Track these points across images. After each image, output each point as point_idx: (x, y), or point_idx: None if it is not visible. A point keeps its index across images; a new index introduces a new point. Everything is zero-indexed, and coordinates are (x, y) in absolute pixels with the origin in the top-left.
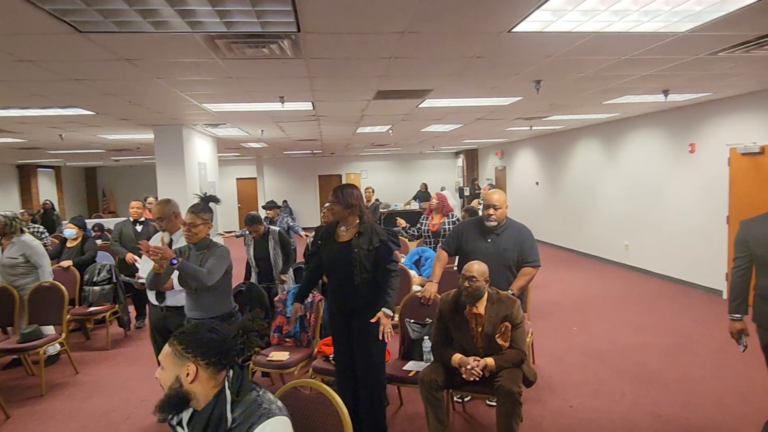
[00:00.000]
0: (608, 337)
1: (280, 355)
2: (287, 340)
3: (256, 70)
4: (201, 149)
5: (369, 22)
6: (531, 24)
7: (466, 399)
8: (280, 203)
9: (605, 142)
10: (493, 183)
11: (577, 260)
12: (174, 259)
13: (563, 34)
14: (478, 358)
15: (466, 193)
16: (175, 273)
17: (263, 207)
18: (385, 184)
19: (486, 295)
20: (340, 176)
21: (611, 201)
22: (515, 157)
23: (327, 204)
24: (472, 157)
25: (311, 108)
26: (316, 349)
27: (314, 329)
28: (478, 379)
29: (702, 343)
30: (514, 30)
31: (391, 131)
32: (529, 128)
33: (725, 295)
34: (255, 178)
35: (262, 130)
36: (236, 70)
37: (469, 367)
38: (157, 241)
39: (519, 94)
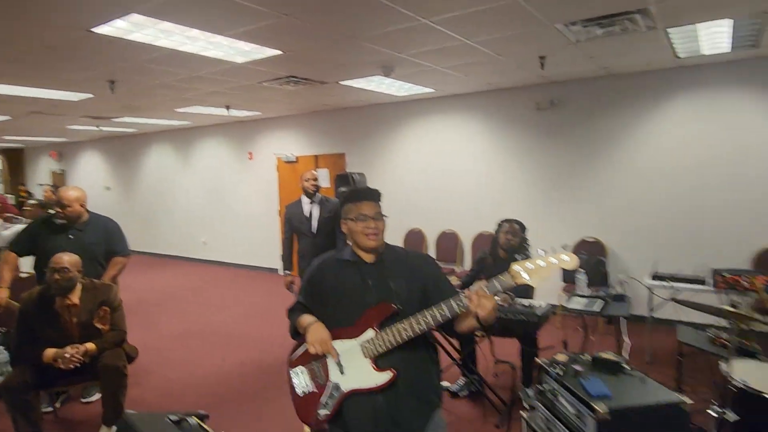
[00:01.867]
0: (195, 319)
1: None
2: None
3: None
4: None
5: None
6: (111, 29)
7: (58, 404)
8: None
9: (179, 147)
10: (55, 187)
11: (158, 262)
12: None
13: (142, 45)
14: (77, 345)
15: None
16: None
17: None
18: None
19: (79, 285)
20: None
21: (187, 203)
22: (78, 159)
23: None
24: (16, 158)
25: None
26: None
27: None
28: (78, 365)
29: (269, 308)
30: (93, 30)
31: None
32: (97, 128)
33: (280, 272)
34: None
35: None
36: None
37: (67, 355)
38: None
39: (90, 91)
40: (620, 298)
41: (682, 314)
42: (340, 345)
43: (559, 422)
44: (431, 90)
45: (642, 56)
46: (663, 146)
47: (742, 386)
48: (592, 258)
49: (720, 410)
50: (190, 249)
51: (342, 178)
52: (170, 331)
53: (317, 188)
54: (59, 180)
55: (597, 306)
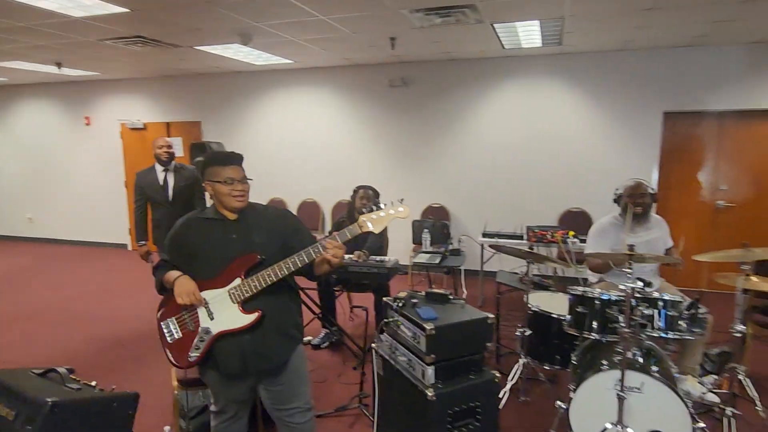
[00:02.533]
0: (31, 302)
1: None
2: None
3: None
4: None
5: None
6: None
7: None
8: None
9: None
10: None
11: None
12: None
13: None
14: None
15: None
16: None
17: None
18: None
19: None
20: None
21: (7, 174)
22: None
23: None
24: None
25: None
26: None
27: None
28: None
29: (115, 283)
30: None
31: None
32: None
33: (130, 248)
34: None
35: None
36: None
37: None
38: None
39: None
40: (457, 252)
41: (505, 266)
42: (208, 294)
43: (401, 345)
44: (290, 61)
45: (477, 45)
46: (494, 124)
47: (535, 309)
48: (437, 221)
49: (522, 329)
50: (14, 227)
51: (198, 147)
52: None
53: (171, 156)
54: None
55: (437, 259)
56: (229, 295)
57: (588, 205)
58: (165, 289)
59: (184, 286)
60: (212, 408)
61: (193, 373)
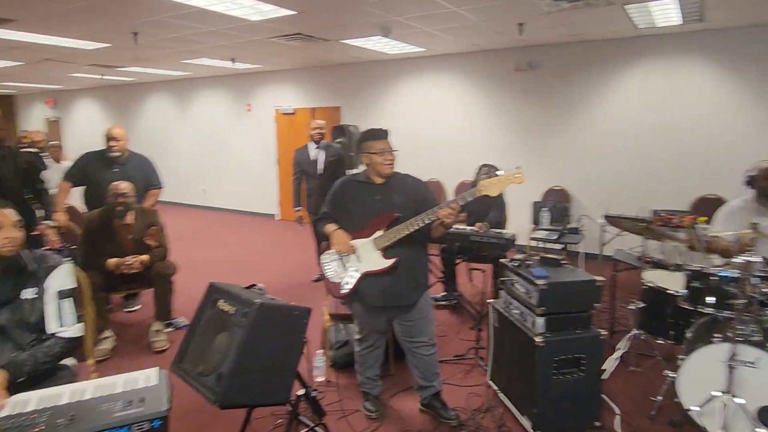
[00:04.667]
0: (203, 255)
1: None
2: None
3: None
4: None
5: None
6: None
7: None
8: None
9: (178, 97)
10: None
11: (159, 208)
12: None
13: (174, 3)
14: (136, 256)
15: None
16: None
17: None
18: None
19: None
20: None
21: (187, 152)
22: (73, 107)
23: None
24: (5, 105)
25: None
26: None
27: None
28: (138, 271)
29: (268, 244)
30: None
31: None
32: (100, 76)
33: (278, 217)
34: None
35: None
36: None
37: (128, 262)
38: None
39: (110, 42)
40: (575, 231)
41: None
42: (357, 242)
43: (514, 300)
44: (422, 49)
45: (607, 26)
46: (624, 107)
47: (649, 285)
48: (557, 203)
49: (635, 303)
50: (190, 196)
51: (338, 129)
52: (186, 263)
53: (322, 135)
54: (54, 127)
55: (555, 236)
56: (373, 243)
57: (725, 191)
58: (324, 237)
59: (339, 237)
60: (356, 336)
61: (342, 310)
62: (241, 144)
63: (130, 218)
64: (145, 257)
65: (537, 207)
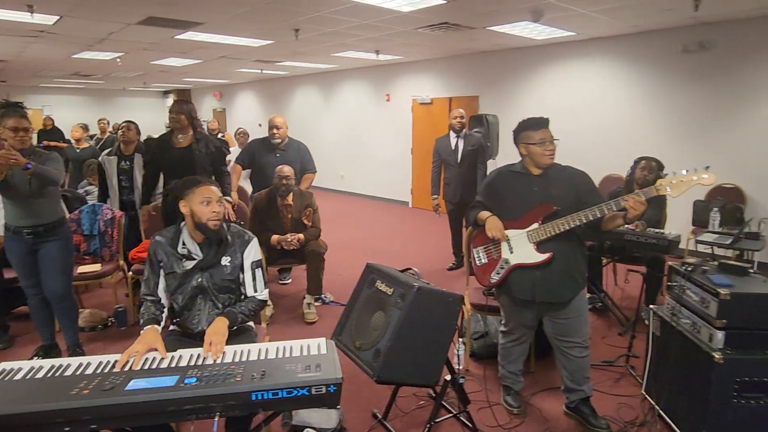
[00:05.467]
0: (348, 237)
1: (91, 267)
2: (86, 257)
3: None
4: None
5: None
6: None
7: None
8: None
9: (323, 88)
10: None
11: None
12: (28, 163)
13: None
14: (294, 234)
15: None
16: None
17: None
18: (75, 121)
19: (292, 191)
20: None
21: (328, 139)
22: (235, 99)
23: (171, 115)
24: (186, 97)
25: (50, 23)
26: (121, 261)
27: (118, 243)
28: (295, 248)
29: (402, 231)
30: None
31: (119, 60)
32: (260, 71)
33: (410, 205)
34: None
35: None
36: None
37: (289, 239)
38: None
39: (274, 39)
40: (755, 236)
41: None
42: (510, 232)
43: (684, 308)
44: (571, 33)
45: None
46: None
47: None
48: (728, 203)
49: None
50: (330, 181)
51: (476, 119)
52: (334, 243)
53: (463, 125)
54: (220, 117)
55: (728, 240)
56: (527, 235)
57: None
58: (476, 224)
59: (493, 223)
60: (502, 328)
61: (481, 300)
62: (379, 133)
63: (290, 199)
64: (301, 236)
65: (699, 206)
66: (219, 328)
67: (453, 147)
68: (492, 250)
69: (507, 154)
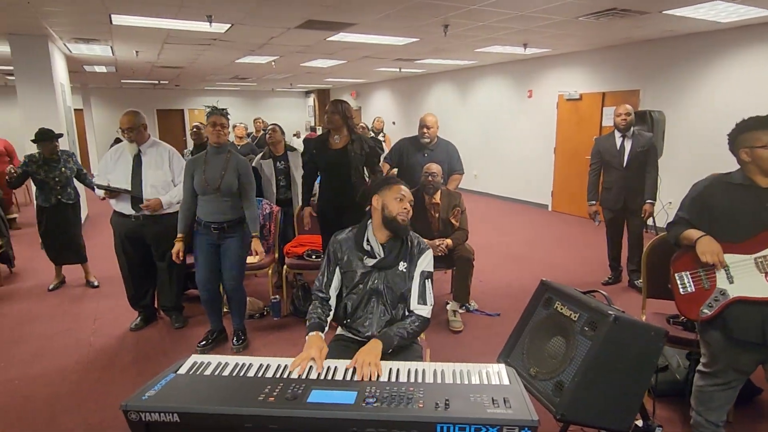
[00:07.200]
0: (485, 239)
1: (252, 259)
2: None
3: None
4: (60, 68)
5: None
6: None
7: None
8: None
9: (459, 85)
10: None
11: None
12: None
13: None
14: (442, 239)
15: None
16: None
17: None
18: (233, 120)
19: (440, 189)
20: (183, 111)
21: (463, 137)
22: (371, 98)
23: (326, 114)
24: (324, 97)
25: (222, 30)
26: (276, 254)
27: (274, 237)
28: (443, 254)
29: (544, 236)
30: None
31: (274, 63)
32: (398, 70)
33: (550, 208)
34: (81, 110)
35: (137, 51)
36: None
37: (437, 244)
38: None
39: (420, 36)
40: None
41: None
42: (729, 258)
43: None
44: None
45: None
46: None
47: None
48: None
49: None
50: (463, 180)
51: (639, 116)
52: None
53: (630, 123)
54: (356, 116)
55: None
56: (756, 263)
57: None
58: (679, 245)
59: (710, 245)
60: (702, 368)
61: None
62: (518, 131)
63: (437, 198)
64: (449, 241)
65: None
66: (374, 348)
67: (618, 147)
68: (702, 277)
69: (671, 155)
